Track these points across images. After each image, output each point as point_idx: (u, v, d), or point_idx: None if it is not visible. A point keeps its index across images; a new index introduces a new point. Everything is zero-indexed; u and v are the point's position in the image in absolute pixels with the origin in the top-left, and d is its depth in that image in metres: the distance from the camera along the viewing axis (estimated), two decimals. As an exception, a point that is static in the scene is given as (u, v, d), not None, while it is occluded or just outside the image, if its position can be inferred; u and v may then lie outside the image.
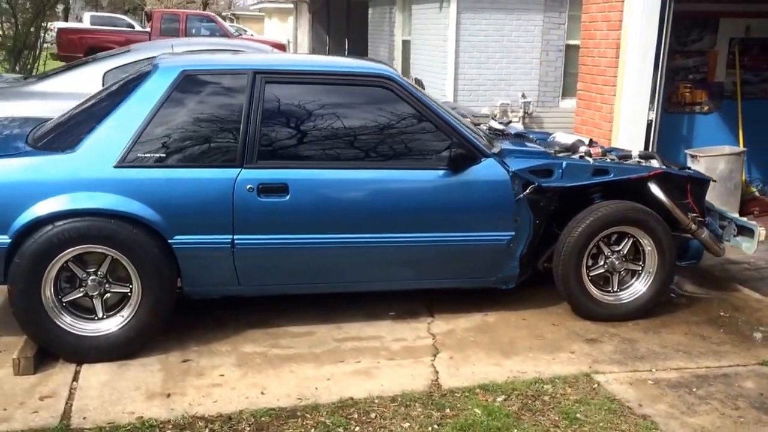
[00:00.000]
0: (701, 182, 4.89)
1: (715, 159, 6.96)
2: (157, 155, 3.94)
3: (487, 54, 11.73)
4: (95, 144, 3.90)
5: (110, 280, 4.00)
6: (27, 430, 3.35)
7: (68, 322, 3.95)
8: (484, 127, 5.13)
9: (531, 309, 4.82)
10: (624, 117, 6.79)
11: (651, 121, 6.79)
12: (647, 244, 4.61)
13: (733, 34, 7.53)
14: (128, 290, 4.01)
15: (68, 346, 3.94)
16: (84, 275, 3.95)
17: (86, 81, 6.75)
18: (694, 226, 4.75)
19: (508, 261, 4.48)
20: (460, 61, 11.64)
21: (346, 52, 19.73)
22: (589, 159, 4.66)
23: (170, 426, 3.43)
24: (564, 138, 5.12)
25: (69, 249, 3.84)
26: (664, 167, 4.80)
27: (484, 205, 4.32)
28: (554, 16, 11.58)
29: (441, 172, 4.24)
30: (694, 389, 3.87)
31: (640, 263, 4.66)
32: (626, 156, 4.96)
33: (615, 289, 4.67)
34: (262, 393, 3.73)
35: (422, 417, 3.53)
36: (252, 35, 27.91)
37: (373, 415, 3.54)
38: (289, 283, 4.32)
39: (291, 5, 26.95)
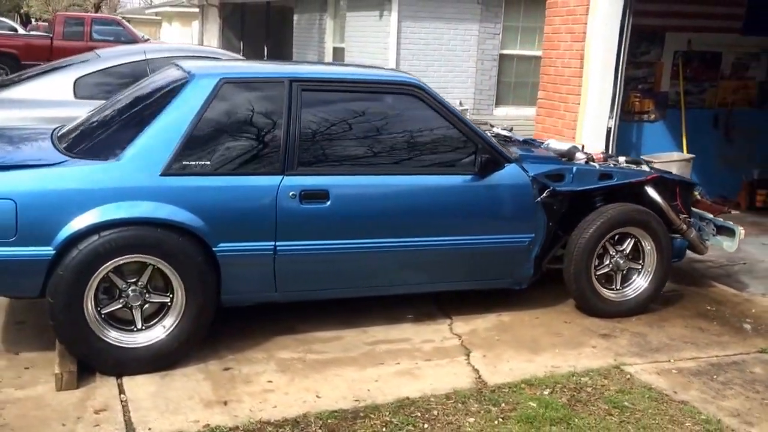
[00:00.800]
0: (688, 185, 5.27)
1: (667, 165, 7.41)
2: (202, 163, 3.95)
3: (427, 62, 12.02)
4: (141, 152, 3.87)
5: (150, 290, 3.96)
6: (99, 444, 3.31)
7: (110, 335, 3.90)
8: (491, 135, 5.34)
9: (540, 308, 5.05)
10: (587, 125, 7.16)
11: (610, 128, 7.19)
12: (647, 244, 4.93)
13: (677, 47, 8.06)
14: (168, 300, 3.99)
15: (110, 359, 3.89)
16: (124, 286, 3.91)
17: (56, 89, 6.58)
18: (684, 227, 5.11)
19: (525, 262, 4.70)
20: (401, 69, 11.85)
21: (266, 59, 19.63)
22: (595, 164, 4.94)
23: (239, 430, 3.44)
24: (559, 145, 5.39)
25: (114, 259, 3.80)
26: (657, 172, 5.13)
27: (508, 208, 4.53)
28: (490, 26, 11.97)
29: (469, 177, 4.42)
30: (715, 376, 4.19)
31: (640, 262, 4.97)
32: (615, 161, 5.28)
33: (618, 287, 4.96)
34: (318, 397, 3.79)
35: (482, 412, 3.68)
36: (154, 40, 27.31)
37: (435, 413, 3.67)
38: (324, 289, 4.39)
39: (196, 9, 26.43)
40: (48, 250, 3.70)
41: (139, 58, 6.88)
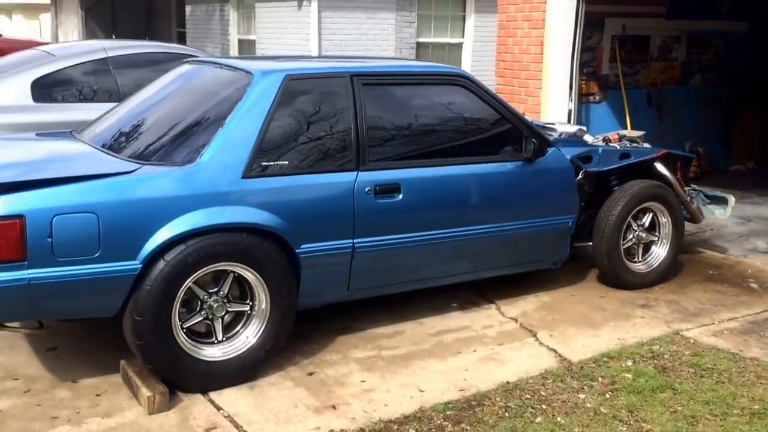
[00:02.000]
0: (687, 159, 5.60)
1: (621, 141, 7.82)
2: (280, 163, 3.83)
3: (348, 53, 12.02)
4: (219, 155, 3.69)
5: (231, 299, 3.81)
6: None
7: (194, 350, 3.71)
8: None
9: (569, 286, 5.23)
10: (551, 107, 7.44)
11: (570, 110, 7.52)
12: (663, 217, 5.20)
13: (614, 32, 8.48)
14: (247, 308, 3.84)
15: (198, 375, 3.71)
16: (205, 296, 3.73)
17: (12, 93, 6.13)
18: (688, 199, 5.44)
19: (565, 243, 4.87)
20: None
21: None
22: (615, 145, 5.16)
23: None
24: (566, 127, 5.58)
25: (202, 269, 3.63)
26: (660, 149, 5.43)
27: (555, 191, 4.68)
28: (406, 14, 12.13)
29: (520, 162, 4.52)
30: (762, 333, 4.50)
31: (656, 233, 5.24)
32: (628, 141, 5.53)
33: (639, 259, 5.21)
34: (421, 391, 3.78)
35: (585, 388, 3.79)
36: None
37: (543, 393, 3.74)
38: (391, 284, 4.37)
39: (47, 1, 24.53)
40: (134, 265, 3.48)
41: (99, 57, 6.49)
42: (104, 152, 3.94)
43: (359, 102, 4.06)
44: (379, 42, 12.11)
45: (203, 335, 3.79)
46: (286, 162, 3.85)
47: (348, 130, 4.02)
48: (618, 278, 5.09)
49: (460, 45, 13.11)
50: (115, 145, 4.03)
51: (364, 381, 3.88)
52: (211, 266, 3.64)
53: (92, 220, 3.37)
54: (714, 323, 4.64)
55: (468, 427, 3.43)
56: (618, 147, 5.18)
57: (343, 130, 4.02)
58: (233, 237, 3.67)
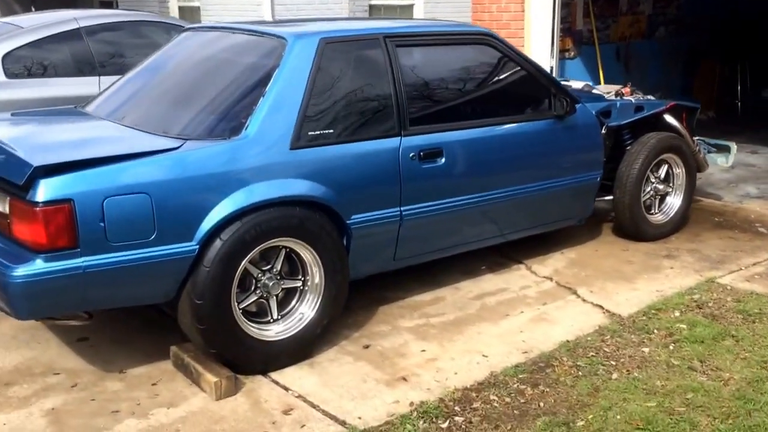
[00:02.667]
0: (693, 110, 5.64)
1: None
2: (325, 132, 3.67)
3: (301, 16, 11.70)
4: (265, 127, 3.51)
5: (284, 275, 3.66)
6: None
7: (253, 330, 3.57)
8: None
9: (590, 242, 5.25)
10: (534, 65, 7.39)
11: (552, 66, 7.50)
12: (678, 167, 5.25)
13: (576, -14, 8.50)
14: (300, 284, 3.71)
15: (258, 356, 3.57)
16: (259, 275, 3.58)
17: None
18: (696, 148, 5.49)
19: (591, 199, 4.86)
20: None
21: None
22: (630, 98, 5.16)
23: (447, 401, 3.31)
24: (575, 83, 5.55)
25: (259, 246, 3.47)
26: (669, 100, 5.46)
27: (585, 147, 4.66)
28: (358, -24, 11.88)
29: (553, 120, 4.47)
30: (792, 275, 4.60)
31: (671, 184, 5.28)
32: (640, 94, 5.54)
33: (656, 211, 5.25)
34: (485, 356, 3.73)
35: (646, 341, 3.80)
36: None
37: (606, 350, 3.74)
38: (433, 250, 4.27)
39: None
40: (191, 246, 3.29)
41: (71, 27, 6.11)
42: (134, 129, 3.70)
43: (395, 64, 3.92)
44: (331, 5, 11.84)
45: (255, 315, 3.63)
46: (332, 130, 3.69)
47: (387, 94, 3.88)
48: (639, 231, 5.12)
49: (411, 6, 12.97)
50: (143, 121, 3.78)
51: (424, 350, 3.80)
52: (267, 242, 3.48)
53: (145, 201, 3.16)
54: (741, 269, 4.71)
55: (547, 389, 3.40)
56: (633, 100, 5.17)
57: (383, 95, 3.88)
58: (287, 211, 3.51)
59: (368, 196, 3.78)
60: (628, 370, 3.51)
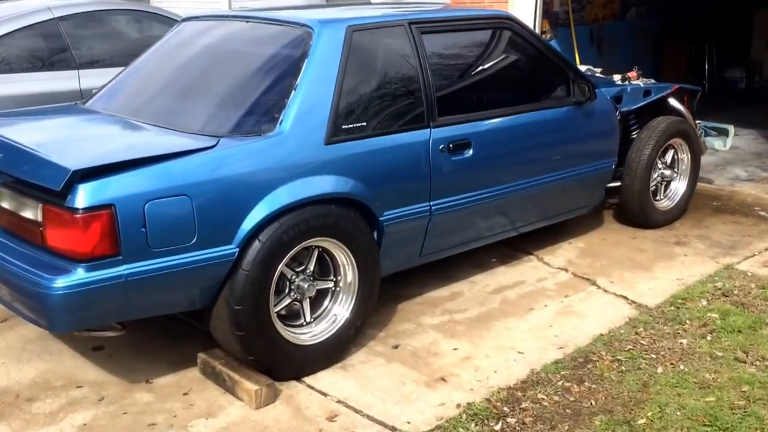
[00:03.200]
0: (693, 93, 5.64)
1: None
2: (358, 125, 3.53)
3: (259, 3, 11.46)
4: (299, 122, 3.35)
5: (316, 276, 3.53)
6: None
7: (292, 334, 3.44)
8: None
9: (595, 230, 5.21)
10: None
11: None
12: (683, 152, 5.24)
13: (564, -35, 8.45)
14: (331, 284, 3.58)
15: (294, 361, 3.44)
16: (293, 276, 3.44)
17: None
18: (699, 131, 5.50)
19: (603, 187, 4.82)
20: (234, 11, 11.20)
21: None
22: (638, 82, 5.12)
23: (494, 402, 3.23)
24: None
25: (296, 247, 3.32)
26: (673, 84, 5.45)
27: (603, 134, 4.62)
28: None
29: (573, 107, 4.40)
30: (808, 259, 4.64)
31: (676, 170, 5.28)
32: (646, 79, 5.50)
33: (662, 197, 5.24)
34: (520, 353, 3.66)
35: (681, 332, 3.78)
36: None
37: (643, 342, 3.70)
38: (459, 244, 4.18)
39: None
40: (232, 249, 3.14)
41: (46, 17, 5.77)
42: (157, 126, 3.50)
43: (421, 52, 3.79)
44: None
45: (286, 318, 3.49)
46: (364, 123, 3.55)
47: (416, 84, 3.75)
48: (647, 218, 5.11)
49: None
50: (164, 117, 3.58)
51: (456, 349, 3.71)
52: (304, 243, 3.34)
53: (186, 204, 3.00)
54: (755, 254, 4.73)
55: (594, 386, 3.34)
56: (641, 84, 5.13)
57: (411, 84, 3.75)
58: (323, 209, 3.37)
59: (400, 192, 3.67)
60: (672, 364, 3.47)
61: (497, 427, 3.08)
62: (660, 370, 3.43)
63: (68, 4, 6.10)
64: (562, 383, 3.37)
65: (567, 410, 3.17)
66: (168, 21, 6.19)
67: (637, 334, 3.78)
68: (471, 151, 3.88)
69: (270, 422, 3.14)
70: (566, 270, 4.58)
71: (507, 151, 4.09)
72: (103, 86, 4.22)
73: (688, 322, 3.87)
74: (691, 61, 10.45)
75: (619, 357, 3.56)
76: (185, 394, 3.35)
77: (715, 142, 5.84)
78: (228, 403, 3.27)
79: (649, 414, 3.08)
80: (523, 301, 4.20)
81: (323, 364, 3.52)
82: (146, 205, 2.90)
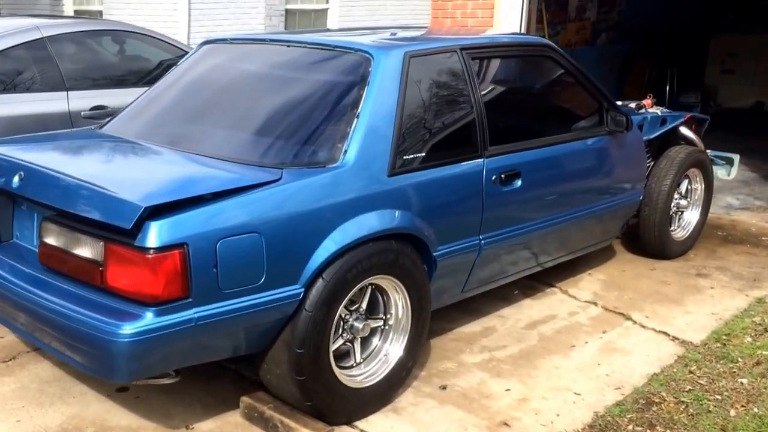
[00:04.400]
0: (702, 121, 5.62)
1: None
2: (417, 155, 3.33)
3: (217, 21, 11.37)
4: (363, 152, 3.12)
5: (368, 315, 3.29)
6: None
7: (348, 377, 3.20)
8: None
9: (610, 261, 5.10)
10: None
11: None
12: (696, 182, 5.20)
13: (541, -7, 8.44)
14: (381, 323, 3.35)
15: (349, 405, 3.20)
16: (346, 315, 3.20)
17: None
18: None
19: (627, 218, 4.72)
20: (192, 31, 10.96)
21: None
22: (657, 111, 5.07)
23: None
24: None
25: (358, 285, 3.10)
26: (685, 113, 5.42)
27: (635, 164, 4.56)
28: (275, -20, 11.65)
29: (610, 137, 4.30)
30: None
31: (689, 199, 5.23)
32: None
33: (675, 227, 5.18)
34: (577, 394, 3.51)
35: (736, 370, 3.65)
36: None
37: (702, 382, 3.58)
38: (499, 278, 4.00)
39: None
40: (297, 289, 2.89)
41: (34, 37, 5.37)
42: (206, 157, 3.20)
43: (473, 79, 3.61)
44: (247, 9, 11.61)
45: (337, 359, 3.23)
46: (423, 153, 3.36)
47: (469, 112, 3.57)
48: (665, 249, 5.04)
49: (325, 11, 12.83)
50: (211, 147, 3.30)
51: (508, 390, 3.52)
52: (364, 281, 3.11)
53: (257, 242, 2.74)
54: (780, 284, 4.71)
55: (668, 431, 3.19)
56: (659, 113, 5.08)
57: (465, 112, 3.57)
58: (385, 245, 3.15)
59: (454, 225, 3.48)
60: (743, 406, 3.35)
61: (582, 478, 2.89)
62: (732, 413, 3.31)
63: (56, 23, 5.72)
64: (633, 428, 3.22)
65: (649, 457, 3.01)
66: (160, 44, 5.95)
67: (691, 373, 3.66)
68: (519, 182, 3.71)
69: (330, 474, 2.88)
70: (595, 304, 4.45)
71: (553, 180, 3.97)
72: (123, 111, 3.90)
73: (740, 360, 3.77)
74: (652, 85, 10.60)
75: (683, 399, 3.42)
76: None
77: (719, 171, 5.82)
78: (280, 455, 3.00)
79: (742, 461, 2.94)
80: (561, 336, 4.04)
81: (374, 408, 3.29)
82: (218, 244, 2.63)
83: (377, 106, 3.22)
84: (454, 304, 4.12)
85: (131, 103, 3.89)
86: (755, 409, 3.32)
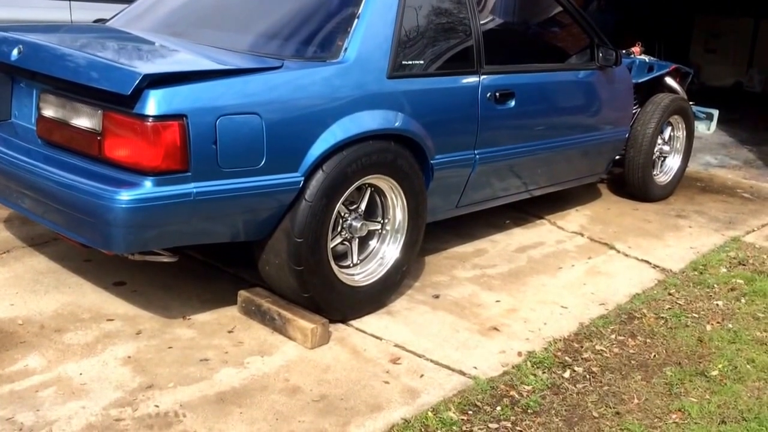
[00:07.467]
0: (686, 74, 5.75)
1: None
2: (416, 62, 3.40)
3: None
4: (363, 51, 3.17)
5: (367, 218, 3.38)
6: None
7: (346, 274, 3.28)
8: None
9: (596, 201, 5.26)
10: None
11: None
12: (679, 129, 5.34)
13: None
14: (379, 226, 3.44)
15: (345, 302, 3.28)
16: (345, 213, 3.28)
17: None
18: (690, 113, 5.63)
19: (613, 156, 4.84)
20: None
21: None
22: (645, 58, 5.18)
23: (554, 351, 3.18)
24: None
25: (357, 181, 3.17)
26: (671, 63, 5.55)
27: (623, 101, 4.66)
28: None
29: (602, 70, 4.40)
30: (805, 235, 4.81)
31: (671, 146, 5.37)
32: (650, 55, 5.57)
33: (658, 172, 5.33)
34: (564, 307, 3.63)
35: (712, 294, 3.83)
36: None
37: (680, 302, 3.73)
38: (491, 198, 4.09)
39: None
40: (297, 177, 2.95)
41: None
42: (209, 47, 3.25)
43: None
44: None
45: (334, 258, 3.30)
46: (421, 61, 3.43)
47: (467, 28, 3.64)
48: (647, 191, 5.18)
49: None
50: (217, 39, 3.34)
51: (498, 301, 3.64)
52: (364, 178, 3.18)
53: (257, 124, 2.79)
54: (755, 230, 4.88)
55: (648, 340, 3.34)
56: (646, 59, 5.20)
57: (463, 27, 3.64)
58: (384, 145, 3.22)
59: (450, 136, 3.56)
60: (718, 323, 3.51)
61: (566, 375, 3.02)
62: (709, 327, 3.45)
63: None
64: (615, 337, 3.35)
65: (632, 361, 3.15)
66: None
67: (670, 294, 3.80)
68: (513, 103, 3.80)
69: (329, 361, 2.98)
70: (581, 234, 4.59)
71: (545, 106, 4.07)
72: (129, 7, 3.92)
73: (716, 286, 3.93)
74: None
75: (662, 315, 3.57)
76: (230, 331, 3.14)
77: (700, 126, 5.97)
78: (280, 342, 3.09)
79: (720, 366, 3.09)
80: (549, 260, 4.17)
81: (369, 309, 3.38)
82: (218, 120, 2.67)
83: (378, 8, 3.27)
84: (447, 227, 4.25)
85: (134, 3, 3.91)
86: (729, 325, 3.48)
